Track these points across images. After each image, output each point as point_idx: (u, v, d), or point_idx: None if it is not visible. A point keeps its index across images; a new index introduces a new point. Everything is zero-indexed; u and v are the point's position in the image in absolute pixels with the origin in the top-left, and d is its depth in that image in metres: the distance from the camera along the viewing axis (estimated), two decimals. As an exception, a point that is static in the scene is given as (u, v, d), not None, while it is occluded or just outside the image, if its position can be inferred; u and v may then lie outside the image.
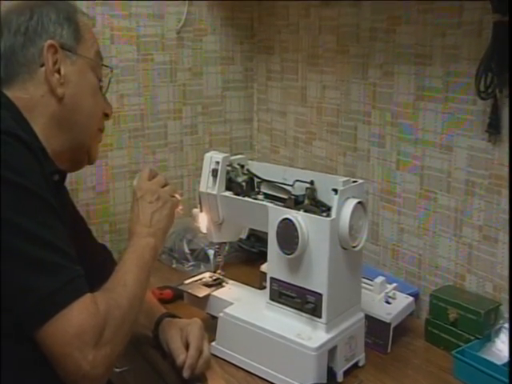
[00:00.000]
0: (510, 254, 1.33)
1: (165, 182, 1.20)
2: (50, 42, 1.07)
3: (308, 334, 1.17)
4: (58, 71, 1.08)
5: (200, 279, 1.44)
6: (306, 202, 1.22)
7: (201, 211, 1.39)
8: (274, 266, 1.23)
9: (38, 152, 0.97)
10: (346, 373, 1.22)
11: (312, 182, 1.23)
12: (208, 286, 1.41)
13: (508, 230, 1.32)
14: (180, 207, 1.23)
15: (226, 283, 1.42)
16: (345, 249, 1.17)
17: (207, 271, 1.48)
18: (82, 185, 1.85)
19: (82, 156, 1.17)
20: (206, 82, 2.05)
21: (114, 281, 1.03)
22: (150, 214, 1.14)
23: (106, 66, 1.19)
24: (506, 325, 1.28)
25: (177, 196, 1.22)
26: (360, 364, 1.27)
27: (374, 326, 1.34)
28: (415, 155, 1.53)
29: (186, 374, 1.15)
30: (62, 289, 0.92)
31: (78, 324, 0.91)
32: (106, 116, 1.20)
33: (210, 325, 1.36)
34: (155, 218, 1.14)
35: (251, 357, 1.23)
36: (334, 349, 1.18)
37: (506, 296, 1.32)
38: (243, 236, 1.48)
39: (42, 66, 1.07)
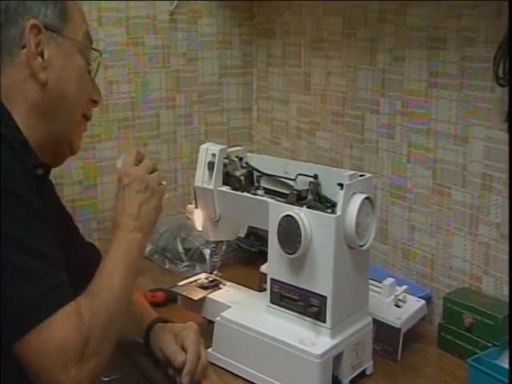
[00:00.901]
0: (509, 255, 1.35)
1: (152, 168, 1.18)
2: (32, 21, 1.05)
3: (311, 340, 1.17)
4: (41, 54, 1.06)
5: (195, 281, 1.44)
6: (310, 197, 1.22)
7: (196, 207, 1.39)
8: (275, 266, 1.23)
9: (17, 146, 0.96)
10: (353, 382, 1.23)
11: (316, 176, 1.23)
12: (204, 288, 1.41)
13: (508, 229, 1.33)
14: (166, 195, 1.21)
15: (224, 285, 1.42)
16: (351, 248, 1.18)
17: (203, 272, 1.48)
18: (67, 179, 1.85)
19: (64, 148, 1.15)
20: (202, 68, 2.05)
21: (98, 283, 1.01)
22: (137, 204, 1.12)
23: (95, 49, 1.17)
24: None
25: (163, 183, 1.20)
26: (367, 372, 1.27)
27: (382, 332, 1.34)
28: (427, 147, 1.53)
29: (185, 380, 1.14)
30: (43, 297, 0.90)
31: (61, 336, 0.89)
32: (95, 103, 1.18)
33: (206, 330, 1.36)
34: (143, 210, 1.12)
35: (250, 364, 1.24)
36: (339, 356, 1.18)
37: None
38: (242, 234, 1.47)
39: (24, 47, 1.05)
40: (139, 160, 1.17)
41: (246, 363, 1.24)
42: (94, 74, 1.17)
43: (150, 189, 1.13)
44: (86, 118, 1.18)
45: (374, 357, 1.28)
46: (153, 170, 1.17)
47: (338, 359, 1.18)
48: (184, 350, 1.17)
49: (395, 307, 1.39)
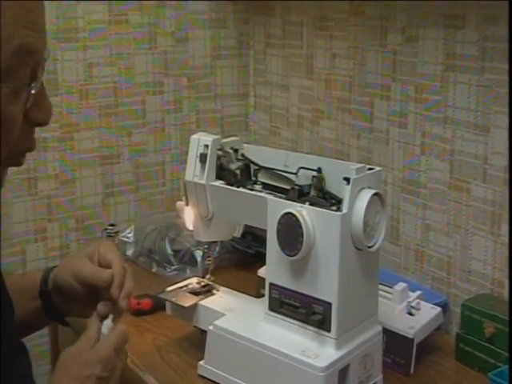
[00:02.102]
0: (509, 253, 1.35)
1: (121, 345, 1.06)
2: None
3: (315, 351, 1.17)
4: None
5: (185, 286, 1.44)
6: (313, 193, 1.22)
7: (186, 204, 1.39)
8: (274, 269, 1.24)
9: None
10: (361, 398, 1.23)
11: (319, 170, 1.23)
12: (195, 293, 1.41)
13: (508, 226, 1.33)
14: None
15: (217, 290, 1.43)
16: (359, 249, 1.18)
17: (194, 276, 1.49)
18: (41, 172, 1.86)
19: None
20: (192, 50, 2.05)
21: None
22: None
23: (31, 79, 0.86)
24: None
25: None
26: (377, 387, 1.28)
27: (393, 342, 1.35)
28: (444, 137, 1.54)
29: (114, 293, 1.09)
30: None
31: None
32: (39, 125, 0.94)
33: (198, 340, 1.36)
34: None
35: (247, 378, 1.24)
36: (345, 369, 1.19)
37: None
38: (237, 234, 1.47)
39: None
40: (123, 344, 1.06)
41: (242, 377, 1.25)
42: (37, 87, 0.86)
43: (112, 372, 1.03)
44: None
45: (384, 370, 1.29)
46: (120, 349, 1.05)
47: (343, 373, 1.19)
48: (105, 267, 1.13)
49: (408, 315, 1.39)
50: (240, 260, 1.82)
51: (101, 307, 1.09)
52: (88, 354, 1.00)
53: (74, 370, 0.98)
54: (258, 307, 1.30)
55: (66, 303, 1.17)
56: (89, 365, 0.99)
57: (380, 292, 1.33)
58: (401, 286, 1.43)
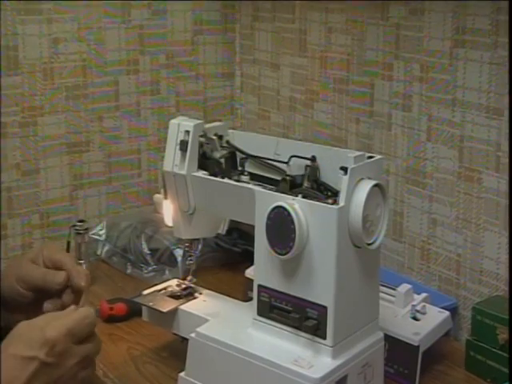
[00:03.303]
0: (509, 252, 1.37)
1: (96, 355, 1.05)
2: None
3: (308, 361, 1.18)
4: None
5: (164, 289, 1.44)
6: (306, 184, 1.23)
7: (165, 198, 1.39)
8: (263, 270, 1.24)
9: None
10: (360, 412, 1.24)
11: (314, 159, 1.24)
12: (175, 297, 1.41)
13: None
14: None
15: (200, 294, 1.43)
16: (357, 247, 1.19)
17: (174, 278, 1.49)
18: (1, 162, 1.85)
19: None
20: (171, 24, 2.05)
21: None
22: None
23: None
24: None
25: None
26: (378, 400, 1.29)
27: (396, 350, 1.36)
28: (453, 121, 1.54)
29: (78, 281, 1.12)
30: None
31: None
32: None
33: (178, 349, 1.37)
34: None
35: (233, 392, 1.25)
36: (343, 380, 1.19)
37: None
38: (222, 231, 1.48)
39: None
40: (84, 328, 1.03)
41: (228, 390, 1.26)
42: None
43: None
44: None
45: (386, 381, 1.30)
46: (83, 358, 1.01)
47: (341, 384, 1.20)
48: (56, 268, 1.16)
49: (412, 320, 1.40)
50: (225, 259, 1.83)
51: (47, 305, 1.12)
52: (35, 333, 0.97)
53: (17, 347, 0.95)
54: (246, 312, 1.31)
55: (9, 314, 1.17)
56: (33, 345, 0.95)
57: (381, 294, 1.34)
58: (405, 287, 1.44)
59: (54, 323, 0.99)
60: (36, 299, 1.18)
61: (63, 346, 0.97)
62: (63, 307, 1.12)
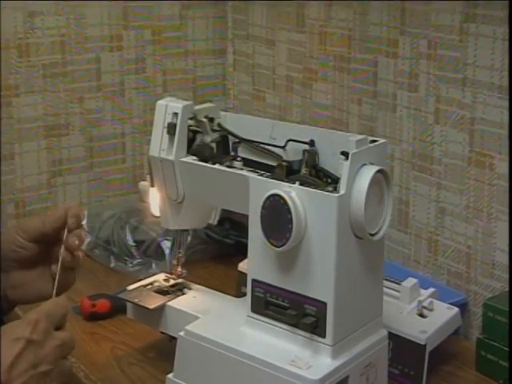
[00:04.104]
0: (510, 251, 1.39)
1: (70, 352, 1.10)
2: None
3: (306, 361, 1.18)
4: None
5: (150, 284, 1.45)
6: (304, 170, 1.23)
7: (151, 185, 1.39)
8: (258, 263, 1.24)
9: None
10: (362, 416, 1.25)
11: (312, 143, 1.24)
12: (162, 293, 1.42)
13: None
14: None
15: (189, 289, 1.43)
16: (359, 238, 1.19)
17: (161, 272, 1.49)
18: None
19: None
20: (158, -4, 2.05)
21: None
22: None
23: None
24: None
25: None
26: (382, 404, 1.29)
27: (401, 350, 1.36)
28: (462, 102, 1.55)
29: (71, 224, 1.20)
30: None
31: None
32: None
33: (166, 349, 1.37)
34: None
35: (225, 395, 1.26)
36: (343, 382, 1.20)
37: None
38: (213, 221, 1.48)
39: None
40: (58, 312, 1.10)
41: (220, 393, 1.26)
42: None
43: (48, 381, 1.05)
44: None
45: (390, 383, 1.30)
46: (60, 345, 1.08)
47: (342, 386, 1.21)
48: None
49: (419, 317, 1.41)
50: (216, 252, 1.83)
51: (54, 266, 1.20)
52: (18, 321, 1.05)
53: (4, 336, 1.02)
54: (239, 309, 1.31)
55: (13, 278, 1.24)
56: (18, 329, 1.03)
57: (385, 289, 1.34)
58: (410, 282, 1.44)
59: (33, 310, 1.06)
60: (37, 252, 1.24)
61: (45, 324, 1.04)
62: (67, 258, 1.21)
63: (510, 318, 1.33)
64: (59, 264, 1.20)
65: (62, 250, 1.20)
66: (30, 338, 1.02)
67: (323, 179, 1.21)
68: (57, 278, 1.19)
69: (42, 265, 1.25)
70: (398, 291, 1.44)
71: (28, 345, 1.02)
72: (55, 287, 1.18)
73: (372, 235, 1.19)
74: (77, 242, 1.21)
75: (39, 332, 1.03)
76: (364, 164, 1.18)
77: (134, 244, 1.80)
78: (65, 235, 1.20)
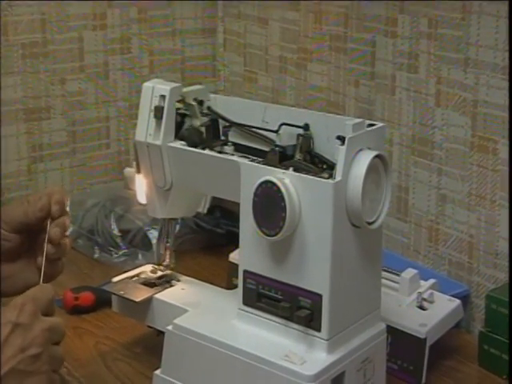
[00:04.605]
0: (510, 248, 1.40)
1: (60, 338, 1.10)
2: None
3: (301, 356, 1.18)
4: None
5: (137, 275, 1.45)
6: (298, 156, 1.23)
7: (137, 172, 1.39)
8: (250, 253, 1.25)
9: None
10: (359, 413, 1.26)
11: (307, 127, 1.24)
12: (149, 285, 1.42)
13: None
14: None
15: (177, 281, 1.44)
16: (356, 227, 1.19)
17: (148, 263, 1.49)
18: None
19: None
20: (144, -29, 2.04)
21: None
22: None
23: None
24: None
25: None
26: (380, 400, 1.30)
27: (400, 344, 1.37)
28: (465, 84, 1.55)
29: (55, 211, 1.22)
30: None
31: None
32: None
33: (153, 344, 1.37)
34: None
35: (215, 391, 1.26)
36: (340, 378, 1.20)
37: None
38: (202, 209, 1.48)
39: None
40: (44, 296, 1.11)
41: (210, 390, 1.27)
42: None
43: (39, 364, 1.06)
44: None
45: (388, 379, 1.31)
46: (57, 342, 1.10)
47: (338, 382, 1.20)
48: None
49: (419, 310, 1.41)
50: (206, 242, 1.83)
51: (40, 258, 1.20)
52: (4, 307, 1.06)
53: None
54: (230, 301, 1.31)
55: None
56: (4, 313, 1.04)
57: (384, 281, 1.34)
58: (410, 272, 1.45)
59: (19, 295, 1.08)
60: (22, 244, 1.25)
61: (32, 308, 1.05)
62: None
63: (510, 311, 1.34)
64: (44, 255, 1.20)
65: (47, 240, 1.21)
66: (16, 321, 1.03)
67: (318, 165, 1.21)
68: (42, 269, 1.19)
69: (27, 255, 1.26)
70: (396, 282, 1.45)
71: (15, 328, 1.02)
72: (42, 278, 1.19)
73: (370, 224, 1.20)
74: (60, 233, 1.21)
75: (26, 315, 1.04)
76: (361, 149, 1.18)
77: (119, 234, 1.80)
78: (49, 224, 1.21)
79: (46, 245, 1.20)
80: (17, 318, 1.03)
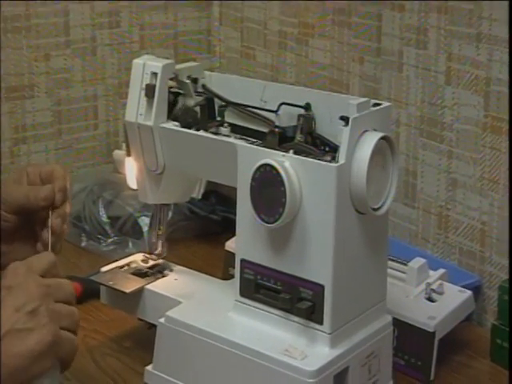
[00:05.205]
0: (510, 246, 1.41)
1: (67, 297, 1.11)
2: None
3: (302, 351, 1.18)
4: None
5: (127, 265, 1.45)
6: (299, 138, 1.23)
7: (128, 155, 1.40)
8: (247, 241, 1.25)
9: None
10: (364, 412, 1.26)
11: (308, 107, 1.24)
12: (140, 275, 1.43)
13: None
14: None
15: (170, 271, 1.44)
16: (361, 213, 1.19)
17: (138, 252, 1.50)
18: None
19: None
20: None
21: None
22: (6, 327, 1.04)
23: None
24: None
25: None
26: (386, 398, 1.31)
27: (408, 338, 1.37)
28: (477, 60, 1.55)
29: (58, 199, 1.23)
30: None
31: None
32: None
33: (144, 338, 1.38)
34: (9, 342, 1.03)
35: (211, 388, 1.27)
36: (343, 373, 1.21)
37: None
38: (197, 195, 1.48)
39: None
40: (48, 272, 1.12)
41: (205, 386, 1.27)
42: None
43: (36, 319, 1.04)
44: None
45: (395, 375, 1.31)
46: (66, 301, 1.10)
47: (340, 378, 1.20)
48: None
49: (427, 301, 1.42)
50: (201, 229, 1.83)
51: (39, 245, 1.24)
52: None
53: None
54: (226, 292, 1.32)
55: None
56: None
57: (390, 271, 1.35)
58: (418, 262, 1.45)
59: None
60: (21, 225, 1.26)
61: (24, 269, 1.06)
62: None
63: (510, 317, 1.34)
64: (49, 241, 1.22)
65: (49, 224, 1.23)
66: (8, 284, 1.04)
67: (320, 147, 1.22)
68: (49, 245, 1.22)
69: (23, 237, 1.28)
70: (403, 272, 1.45)
71: (7, 292, 1.03)
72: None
73: (375, 210, 1.20)
74: (61, 223, 1.24)
75: (18, 277, 1.05)
76: (366, 130, 1.18)
77: (107, 220, 1.80)
78: (51, 214, 1.23)
79: (50, 236, 1.22)
80: (9, 281, 1.04)
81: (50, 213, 1.23)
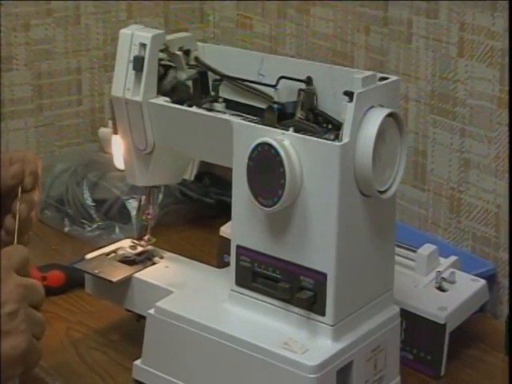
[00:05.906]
0: (510, 244, 1.43)
1: (38, 302, 1.11)
2: None
3: (302, 344, 1.19)
4: None
5: (114, 252, 1.46)
6: (299, 114, 1.23)
7: (114, 132, 1.40)
8: (244, 227, 1.25)
9: None
10: (369, 409, 1.27)
11: (309, 80, 1.25)
12: (128, 263, 1.43)
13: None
14: None
15: (160, 258, 1.44)
16: (366, 196, 1.20)
17: (126, 238, 1.50)
18: None
19: None
20: None
21: None
22: None
23: None
24: None
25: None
26: (393, 394, 1.31)
27: (417, 330, 1.38)
28: (491, 31, 1.55)
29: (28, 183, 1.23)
30: None
31: None
32: None
33: (133, 330, 1.38)
34: None
35: (203, 383, 1.27)
36: (347, 368, 1.21)
37: None
38: (189, 176, 1.48)
39: None
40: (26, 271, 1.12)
41: (196, 382, 1.27)
42: None
43: (17, 321, 1.05)
44: None
45: (403, 370, 1.32)
46: (36, 305, 1.10)
47: (344, 374, 1.21)
48: None
49: (438, 291, 1.42)
50: (194, 213, 1.84)
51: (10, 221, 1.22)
52: None
53: None
54: (221, 281, 1.32)
55: None
56: None
57: (397, 258, 1.35)
58: (428, 248, 1.46)
59: None
60: None
61: (4, 262, 1.05)
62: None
63: (510, 315, 1.36)
64: (17, 218, 1.22)
65: (12, 216, 1.22)
66: None
67: (323, 125, 1.22)
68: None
69: None
70: (412, 260, 1.46)
71: None
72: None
73: (381, 193, 1.20)
74: (27, 210, 1.23)
75: None
76: (372, 106, 1.18)
77: (93, 204, 1.80)
78: (19, 195, 1.22)
79: (17, 223, 1.22)
80: None
81: (18, 197, 1.23)
